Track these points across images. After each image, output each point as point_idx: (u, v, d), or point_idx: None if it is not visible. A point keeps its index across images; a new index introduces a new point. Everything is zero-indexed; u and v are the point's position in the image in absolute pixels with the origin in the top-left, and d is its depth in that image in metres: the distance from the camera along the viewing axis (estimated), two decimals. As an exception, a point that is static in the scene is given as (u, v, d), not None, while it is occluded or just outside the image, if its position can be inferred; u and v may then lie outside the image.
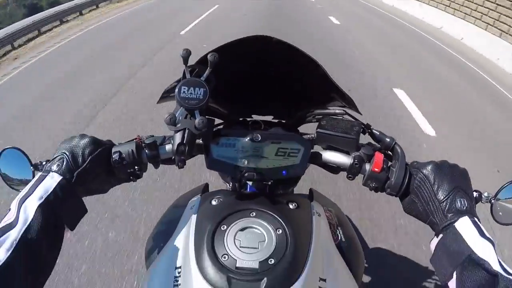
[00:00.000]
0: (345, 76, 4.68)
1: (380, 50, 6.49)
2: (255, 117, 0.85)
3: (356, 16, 9.79)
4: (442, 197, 0.55)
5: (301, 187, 0.91)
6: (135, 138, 0.66)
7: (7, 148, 0.65)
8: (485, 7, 7.39)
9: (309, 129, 0.79)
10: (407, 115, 3.87)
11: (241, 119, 0.84)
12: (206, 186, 0.83)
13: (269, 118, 0.86)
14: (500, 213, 0.62)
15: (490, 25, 7.13)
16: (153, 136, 0.67)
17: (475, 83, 5.35)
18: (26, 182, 0.62)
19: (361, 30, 8.07)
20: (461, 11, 8.20)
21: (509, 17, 6.59)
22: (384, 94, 4.40)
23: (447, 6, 8.82)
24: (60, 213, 0.53)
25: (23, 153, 0.65)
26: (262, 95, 0.79)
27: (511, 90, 5.11)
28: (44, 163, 0.61)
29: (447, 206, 0.54)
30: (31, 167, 0.63)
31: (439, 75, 5.48)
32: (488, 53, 6.61)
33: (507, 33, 6.57)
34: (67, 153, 0.58)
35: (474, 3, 7.67)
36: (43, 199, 0.51)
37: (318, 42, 6.50)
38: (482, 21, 7.40)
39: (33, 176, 0.62)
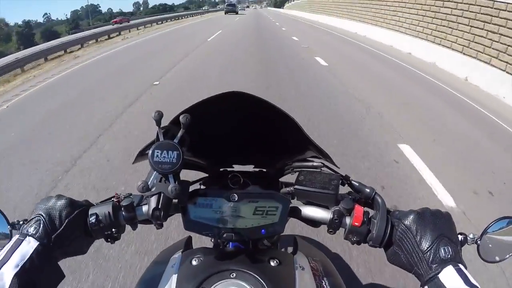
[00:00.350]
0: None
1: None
2: (236, 167, 0.85)
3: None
4: (426, 248, 0.54)
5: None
6: (113, 197, 0.64)
7: None
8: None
9: (291, 178, 0.79)
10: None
11: (221, 169, 0.83)
12: (189, 240, 0.81)
13: (250, 167, 0.86)
14: (489, 250, 0.61)
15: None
16: (131, 195, 0.65)
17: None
18: (2, 241, 0.61)
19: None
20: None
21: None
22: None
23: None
24: (37, 280, 0.52)
25: (0, 211, 0.63)
26: (241, 145, 0.79)
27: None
28: (21, 222, 0.59)
29: (431, 256, 0.53)
30: (9, 226, 0.61)
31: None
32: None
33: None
34: (43, 215, 0.57)
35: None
36: (19, 267, 0.50)
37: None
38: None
39: (11, 235, 0.61)
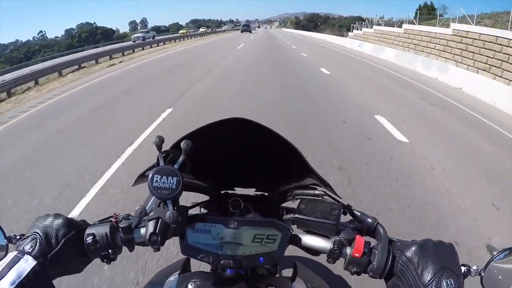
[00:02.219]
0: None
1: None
2: (238, 189, 0.85)
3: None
4: (427, 280, 0.52)
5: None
6: (111, 217, 0.64)
7: None
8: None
9: (293, 203, 0.78)
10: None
11: (222, 192, 0.83)
12: (186, 261, 0.80)
13: (251, 190, 0.86)
14: (492, 282, 0.59)
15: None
16: (129, 216, 0.65)
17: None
18: None
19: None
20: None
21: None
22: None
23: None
24: None
25: None
26: (242, 169, 0.79)
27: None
28: (18, 237, 0.60)
29: None
30: (5, 240, 0.61)
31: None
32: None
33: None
34: (40, 233, 0.57)
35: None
36: (15, 284, 0.51)
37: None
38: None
39: (7, 248, 0.61)
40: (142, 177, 0.69)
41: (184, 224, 0.62)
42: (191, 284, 0.63)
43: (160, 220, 0.57)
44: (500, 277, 0.59)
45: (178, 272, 0.73)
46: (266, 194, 0.85)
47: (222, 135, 0.67)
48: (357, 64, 14.88)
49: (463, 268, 0.56)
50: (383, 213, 3.03)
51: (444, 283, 0.52)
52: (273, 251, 0.64)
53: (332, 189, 0.70)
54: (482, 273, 0.57)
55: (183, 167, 0.58)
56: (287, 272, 0.85)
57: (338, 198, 0.71)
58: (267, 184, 0.83)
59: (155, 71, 12.88)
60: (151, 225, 0.58)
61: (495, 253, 0.60)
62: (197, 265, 0.81)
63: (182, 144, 0.56)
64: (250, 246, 0.64)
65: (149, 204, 0.57)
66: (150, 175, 0.57)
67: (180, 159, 0.58)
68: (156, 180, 0.56)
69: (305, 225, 0.65)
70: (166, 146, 0.60)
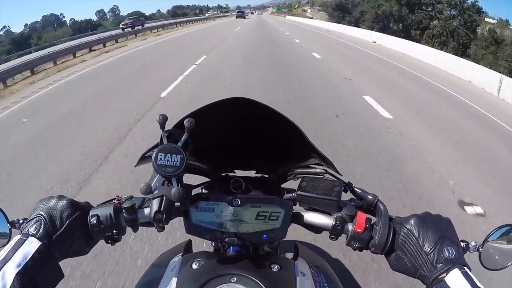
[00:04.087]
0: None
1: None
2: (238, 172, 0.85)
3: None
4: (429, 249, 0.54)
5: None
6: (114, 199, 0.64)
7: None
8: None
9: (293, 184, 0.79)
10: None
11: (223, 174, 0.83)
12: (189, 243, 0.81)
13: (252, 173, 0.86)
14: (491, 258, 0.61)
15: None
16: (132, 197, 0.65)
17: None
18: (1, 239, 0.62)
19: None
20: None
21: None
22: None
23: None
24: (37, 279, 0.52)
25: (0, 210, 0.64)
26: (243, 151, 0.79)
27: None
28: (21, 221, 0.60)
29: (435, 256, 0.53)
30: (8, 224, 0.61)
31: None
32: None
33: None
34: (44, 215, 0.57)
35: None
36: (21, 266, 0.50)
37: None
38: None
39: (10, 233, 0.62)
40: (144, 158, 0.69)
41: (188, 201, 0.62)
42: (195, 264, 0.64)
43: (164, 198, 0.58)
44: (496, 257, 0.62)
45: (181, 253, 0.73)
46: (266, 176, 0.85)
47: (224, 115, 0.67)
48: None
49: (462, 244, 0.58)
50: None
51: (446, 251, 0.53)
52: (276, 228, 0.65)
53: (334, 167, 0.71)
54: (480, 249, 0.59)
55: (186, 146, 0.58)
56: (288, 256, 0.87)
57: (339, 176, 0.71)
58: (267, 166, 0.84)
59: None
60: (155, 203, 0.58)
61: (492, 230, 0.62)
62: (198, 248, 0.82)
63: (186, 122, 0.56)
64: (253, 224, 0.64)
65: (153, 182, 0.57)
66: (154, 153, 0.57)
67: (184, 137, 0.58)
68: (160, 158, 0.56)
69: (308, 201, 0.66)
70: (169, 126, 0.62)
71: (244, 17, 53.64)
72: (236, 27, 28.65)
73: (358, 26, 28.69)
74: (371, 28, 26.40)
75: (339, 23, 33.09)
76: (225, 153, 0.79)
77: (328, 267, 0.81)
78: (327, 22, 35.55)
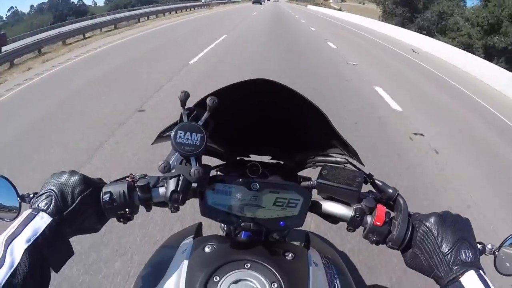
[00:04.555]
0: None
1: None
2: (253, 157, 0.83)
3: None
4: (447, 250, 0.54)
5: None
6: (127, 177, 0.63)
7: None
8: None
9: (309, 173, 0.77)
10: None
11: (238, 158, 0.81)
12: (199, 226, 0.80)
13: (267, 158, 0.84)
14: (505, 264, 0.61)
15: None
16: (146, 176, 0.64)
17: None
18: (11, 213, 0.61)
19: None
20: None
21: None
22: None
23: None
24: (47, 255, 0.51)
25: (10, 183, 0.62)
26: (261, 135, 0.77)
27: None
28: (31, 195, 0.58)
29: (452, 258, 0.53)
30: (18, 198, 0.60)
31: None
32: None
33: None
34: (55, 190, 0.56)
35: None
36: (31, 241, 0.50)
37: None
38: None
39: (20, 207, 0.61)
40: (161, 136, 0.68)
41: (206, 182, 0.61)
42: (208, 247, 0.63)
43: (182, 177, 0.56)
44: (508, 261, 0.61)
45: (192, 236, 0.72)
46: (282, 162, 0.83)
47: (246, 96, 0.65)
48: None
49: (478, 245, 0.57)
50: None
51: (463, 253, 0.53)
52: (294, 215, 0.64)
53: (358, 156, 0.69)
54: (496, 253, 0.59)
55: (206, 125, 0.56)
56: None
57: (361, 166, 0.69)
58: (284, 152, 0.82)
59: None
60: (172, 183, 0.56)
61: (509, 235, 0.61)
62: (208, 231, 0.81)
63: (208, 100, 0.54)
64: (271, 210, 0.63)
65: (171, 161, 0.56)
66: (174, 131, 0.55)
67: (205, 115, 0.56)
68: (180, 136, 0.54)
69: (328, 190, 0.65)
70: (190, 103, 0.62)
71: (261, 3, 51.80)
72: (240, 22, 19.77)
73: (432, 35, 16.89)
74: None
75: (402, 26, 20.23)
76: (242, 136, 0.77)
77: (338, 259, 0.80)
78: (375, 21, 21.72)
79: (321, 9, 42.65)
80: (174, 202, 0.57)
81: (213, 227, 0.90)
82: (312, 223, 1.91)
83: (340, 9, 46.70)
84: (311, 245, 0.74)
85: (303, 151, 0.78)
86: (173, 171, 0.55)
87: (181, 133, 0.55)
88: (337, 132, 0.65)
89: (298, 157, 0.80)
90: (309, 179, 0.71)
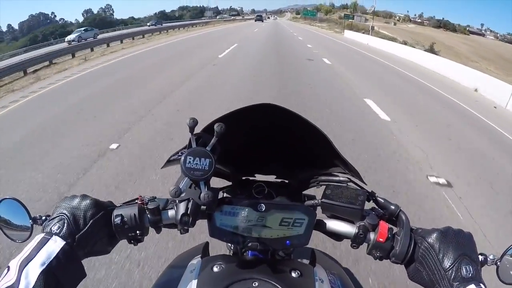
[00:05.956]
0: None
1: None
2: (258, 176, 0.85)
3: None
4: (448, 266, 0.55)
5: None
6: (137, 199, 0.65)
7: (6, 198, 0.64)
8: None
9: (314, 191, 0.78)
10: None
11: (243, 178, 0.83)
12: (206, 245, 0.81)
13: (272, 177, 0.86)
14: (508, 273, 0.61)
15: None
16: (155, 198, 0.66)
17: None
18: (23, 234, 0.62)
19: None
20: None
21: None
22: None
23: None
24: (61, 278, 0.52)
25: (22, 204, 0.64)
26: (265, 155, 0.79)
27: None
28: (43, 218, 0.60)
29: (453, 274, 0.54)
30: (30, 220, 0.62)
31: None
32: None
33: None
34: (67, 214, 0.57)
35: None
36: (45, 265, 0.50)
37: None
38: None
39: (32, 229, 0.62)
40: (170, 161, 0.70)
41: (215, 205, 0.63)
42: (216, 267, 0.64)
43: (191, 201, 0.58)
44: (510, 273, 0.61)
45: (199, 255, 0.74)
46: (287, 181, 0.85)
47: (251, 119, 0.68)
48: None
49: (480, 257, 0.58)
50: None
51: (464, 269, 0.54)
52: (300, 234, 0.65)
53: (359, 175, 0.71)
54: (498, 263, 0.59)
55: (214, 150, 0.59)
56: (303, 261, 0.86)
57: (362, 185, 0.71)
58: (288, 171, 0.84)
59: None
60: (182, 206, 0.58)
61: (510, 246, 0.61)
62: (214, 251, 0.82)
63: (216, 126, 0.57)
64: (277, 229, 0.65)
65: (182, 185, 0.58)
66: (183, 156, 0.57)
67: (212, 141, 0.58)
68: (189, 161, 0.57)
69: (332, 209, 0.66)
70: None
71: (262, 21, 58.45)
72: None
73: None
74: None
75: None
76: (247, 157, 0.80)
77: (344, 275, 0.81)
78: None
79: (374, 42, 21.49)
80: (184, 224, 0.59)
81: (218, 246, 0.91)
82: (315, 238, 1.85)
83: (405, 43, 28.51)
84: (316, 261, 0.75)
85: (307, 170, 0.80)
86: (183, 195, 0.57)
87: (190, 159, 0.57)
88: (338, 152, 0.67)
89: (301, 175, 0.81)
90: (313, 197, 0.73)
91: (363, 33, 29.83)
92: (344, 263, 2.13)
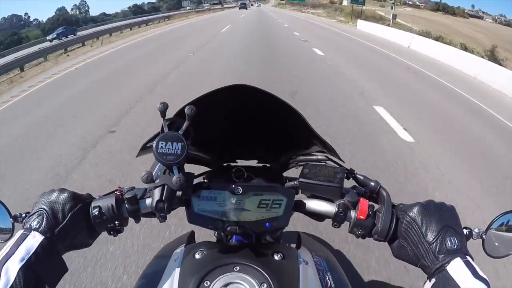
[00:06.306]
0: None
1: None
2: (240, 162, 0.85)
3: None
4: (432, 239, 0.54)
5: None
6: (116, 190, 0.64)
7: None
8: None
9: (295, 173, 0.78)
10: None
11: (225, 164, 0.83)
12: (191, 234, 0.81)
13: (253, 162, 0.85)
14: (494, 245, 0.61)
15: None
16: (133, 188, 0.65)
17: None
18: (4, 234, 0.62)
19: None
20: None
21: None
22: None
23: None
24: (41, 273, 0.52)
25: (2, 204, 0.64)
26: (245, 140, 0.79)
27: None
28: (23, 215, 0.59)
29: (438, 247, 0.53)
30: (11, 219, 0.61)
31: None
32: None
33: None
34: (46, 208, 0.57)
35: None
36: (24, 260, 0.51)
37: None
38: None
39: (13, 228, 0.62)
40: (145, 148, 0.69)
41: (190, 190, 0.62)
42: (198, 254, 0.64)
43: (166, 187, 0.57)
44: (499, 244, 0.61)
45: (184, 244, 0.74)
46: (268, 165, 0.85)
47: (225, 102, 0.67)
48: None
49: (465, 231, 0.58)
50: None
51: (448, 241, 0.53)
52: (279, 215, 0.65)
53: (336, 154, 0.70)
54: (484, 236, 0.59)
55: (187, 134, 0.58)
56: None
57: (341, 163, 0.71)
58: (269, 155, 0.84)
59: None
60: (157, 192, 0.58)
61: (495, 217, 0.62)
62: (201, 239, 0.81)
63: (186, 109, 0.56)
64: (255, 212, 0.64)
65: (155, 171, 0.57)
66: (155, 142, 0.56)
67: (185, 125, 0.57)
68: (161, 147, 0.56)
69: (310, 189, 0.66)
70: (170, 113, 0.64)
71: (246, 8, 58.12)
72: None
73: None
74: None
75: None
76: (226, 142, 0.79)
77: (331, 256, 0.81)
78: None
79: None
80: (159, 211, 0.58)
81: (205, 234, 0.91)
82: (310, 223, 1.83)
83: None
84: (302, 244, 0.75)
85: (287, 152, 0.80)
86: (157, 181, 0.57)
87: (162, 144, 0.56)
88: (315, 132, 0.67)
89: (282, 158, 0.81)
90: (294, 179, 0.73)
91: (381, 23, 21.72)
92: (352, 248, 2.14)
